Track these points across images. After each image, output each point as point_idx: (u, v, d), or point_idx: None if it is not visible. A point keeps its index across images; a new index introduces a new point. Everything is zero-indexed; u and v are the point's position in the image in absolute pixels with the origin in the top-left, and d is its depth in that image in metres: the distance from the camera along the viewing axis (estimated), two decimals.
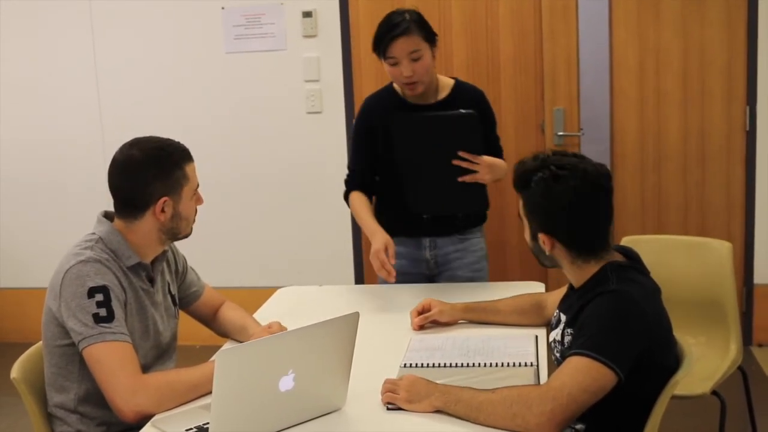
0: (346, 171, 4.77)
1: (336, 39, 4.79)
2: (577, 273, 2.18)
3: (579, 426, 2.13)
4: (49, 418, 2.35)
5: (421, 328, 2.65)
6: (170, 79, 5.01)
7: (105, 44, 5.03)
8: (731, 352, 3.11)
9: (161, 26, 4.97)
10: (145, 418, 2.08)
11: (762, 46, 4.42)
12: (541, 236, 2.16)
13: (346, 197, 3.23)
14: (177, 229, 2.37)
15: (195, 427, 2.00)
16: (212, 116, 4.97)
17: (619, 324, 2.00)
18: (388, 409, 2.08)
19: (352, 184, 3.22)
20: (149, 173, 2.28)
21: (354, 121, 3.31)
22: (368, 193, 3.21)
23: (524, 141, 4.57)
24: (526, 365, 2.32)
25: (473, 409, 1.98)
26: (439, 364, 2.36)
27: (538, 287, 3.05)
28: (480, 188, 3.01)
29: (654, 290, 2.14)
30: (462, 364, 2.35)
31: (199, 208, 2.45)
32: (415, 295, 2.96)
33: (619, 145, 4.62)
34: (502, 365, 2.33)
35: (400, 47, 2.91)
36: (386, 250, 2.89)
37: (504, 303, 2.67)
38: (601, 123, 4.66)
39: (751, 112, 4.49)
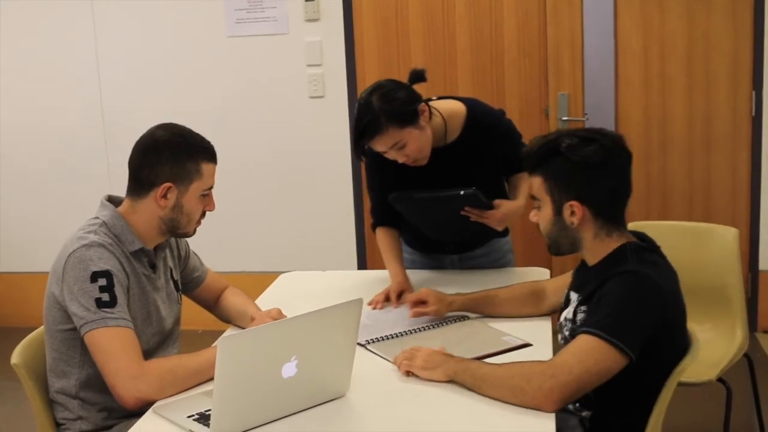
0: (348, 155, 4.82)
1: (338, 23, 4.75)
2: (597, 248, 2.14)
3: (585, 413, 2.12)
4: (50, 404, 2.33)
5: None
6: (171, 63, 4.98)
7: (106, 28, 5.00)
8: (737, 338, 3.09)
9: (162, 10, 4.93)
10: (147, 405, 2.07)
11: None
12: (571, 206, 2.10)
13: (373, 228, 3.04)
14: (177, 223, 2.33)
15: (197, 414, 1.98)
16: (213, 101, 4.96)
17: (635, 305, 1.98)
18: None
19: (375, 218, 3.03)
20: (162, 155, 2.28)
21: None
22: (396, 223, 3.00)
23: (528, 126, 4.52)
24: (463, 319, 2.58)
25: (477, 378, 2.03)
26: (398, 333, 2.48)
27: (542, 274, 3.03)
28: None
29: (673, 274, 2.12)
30: (417, 329, 2.52)
31: None
32: (419, 281, 2.93)
33: (623, 131, 4.58)
34: (447, 322, 2.56)
35: (379, 146, 2.67)
36: (398, 294, 2.76)
37: (501, 293, 2.61)
38: (605, 108, 4.63)
39: (757, 97, 4.45)
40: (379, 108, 2.60)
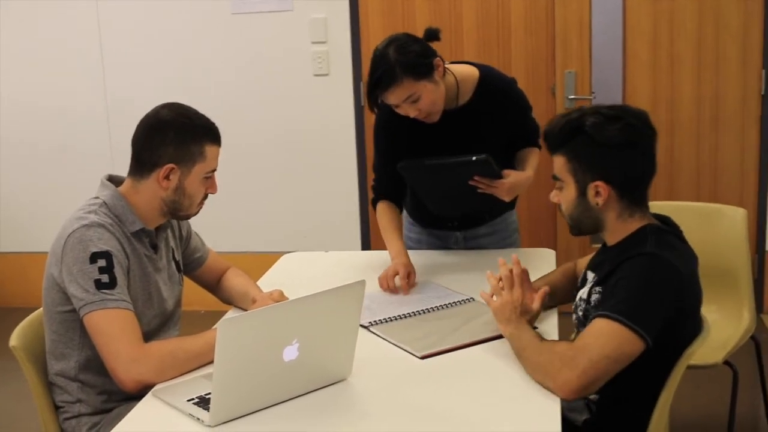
0: (353, 134, 4.78)
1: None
2: (618, 229, 2.11)
3: (593, 396, 2.09)
4: (50, 386, 2.31)
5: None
6: (175, 40, 4.93)
7: (109, 5, 4.94)
8: (744, 320, 3.06)
9: None
10: (146, 388, 2.05)
11: None
12: (596, 186, 2.06)
13: (374, 204, 2.97)
14: (179, 205, 2.30)
15: (197, 397, 1.96)
16: (217, 78, 4.91)
17: (652, 289, 1.95)
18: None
19: (378, 192, 2.97)
20: (166, 136, 2.24)
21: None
22: (398, 199, 2.96)
23: (535, 104, 4.31)
24: (469, 300, 2.57)
25: (522, 347, 2.06)
26: (401, 315, 2.46)
27: (548, 255, 3.00)
28: None
29: (692, 259, 2.09)
30: (421, 311, 2.50)
31: None
32: (425, 262, 2.90)
33: None
34: (453, 304, 2.54)
35: (392, 98, 2.63)
36: (407, 275, 2.70)
37: (556, 286, 2.47)
38: (612, 87, 4.59)
39: (766, 76, 4.40)
40: (395, 59, 2.57)
